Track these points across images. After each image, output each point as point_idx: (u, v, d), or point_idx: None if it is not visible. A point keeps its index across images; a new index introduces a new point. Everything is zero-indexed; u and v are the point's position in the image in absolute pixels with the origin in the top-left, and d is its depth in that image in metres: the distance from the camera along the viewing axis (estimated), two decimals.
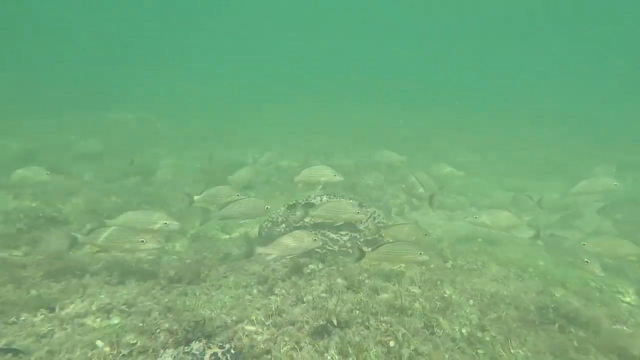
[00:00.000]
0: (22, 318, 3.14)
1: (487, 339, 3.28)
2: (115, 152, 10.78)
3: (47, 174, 5.57)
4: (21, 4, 39.59)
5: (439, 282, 4.38)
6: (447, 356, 2.96)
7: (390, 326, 3.29)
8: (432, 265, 4.80)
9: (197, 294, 3.86)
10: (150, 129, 15.47)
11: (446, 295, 4.00)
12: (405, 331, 3.19)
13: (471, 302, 3.99)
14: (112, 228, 3.55)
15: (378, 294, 3.91)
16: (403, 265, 4.62)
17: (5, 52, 31.01)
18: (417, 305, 3.74)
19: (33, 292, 3.57)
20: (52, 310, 3.29)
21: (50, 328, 3.04)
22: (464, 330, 3.32)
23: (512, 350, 3.13)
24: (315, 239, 3.95)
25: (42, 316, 3.22)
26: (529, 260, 5.56)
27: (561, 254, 4.32)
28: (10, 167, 7.75)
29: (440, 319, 3.46)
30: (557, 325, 3.54)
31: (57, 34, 41.17)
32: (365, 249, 4.04)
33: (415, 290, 4.16)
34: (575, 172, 11.38)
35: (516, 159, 14.14)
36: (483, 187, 10.74)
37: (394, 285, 4.16)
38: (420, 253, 3.89)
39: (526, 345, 3.23)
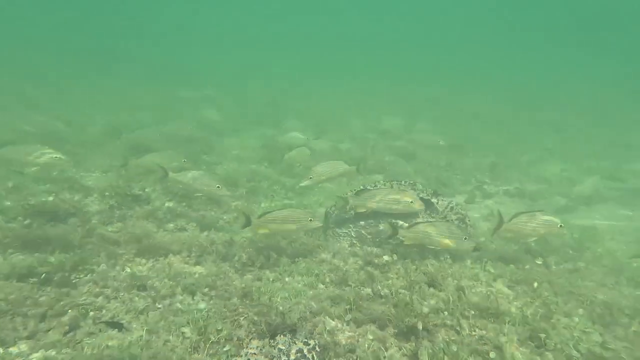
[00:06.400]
0: (121, 294, 3.37)
1: None
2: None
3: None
4: None
5: (535, 283, 3.82)
6: None
7: (486, 333, 2.91)
8: (527, 266, 4.22)
9: (271, 279, 3.83)
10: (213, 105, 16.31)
11: (547, 301, 3.45)
12: (506, 340, 2.79)
13: (580, 310, 3.40)
14: None
15: (465, 293, 3.50)
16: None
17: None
18: (513, 309, 3.27)
19: (127, 270, 3.84)
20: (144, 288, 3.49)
21: (145, 305, 3.22)
22: (581, 346, 2.80)
23: None
24: None
25: (136, 292, 3.44)
26: None
27: None
28: (99, 143, 8.49)
29: (547, 329, 2.98)
30: None
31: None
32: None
33: (507, 290, 3.68)
34: None
35: None
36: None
37: (480, 284, 3.71)
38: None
39: None
